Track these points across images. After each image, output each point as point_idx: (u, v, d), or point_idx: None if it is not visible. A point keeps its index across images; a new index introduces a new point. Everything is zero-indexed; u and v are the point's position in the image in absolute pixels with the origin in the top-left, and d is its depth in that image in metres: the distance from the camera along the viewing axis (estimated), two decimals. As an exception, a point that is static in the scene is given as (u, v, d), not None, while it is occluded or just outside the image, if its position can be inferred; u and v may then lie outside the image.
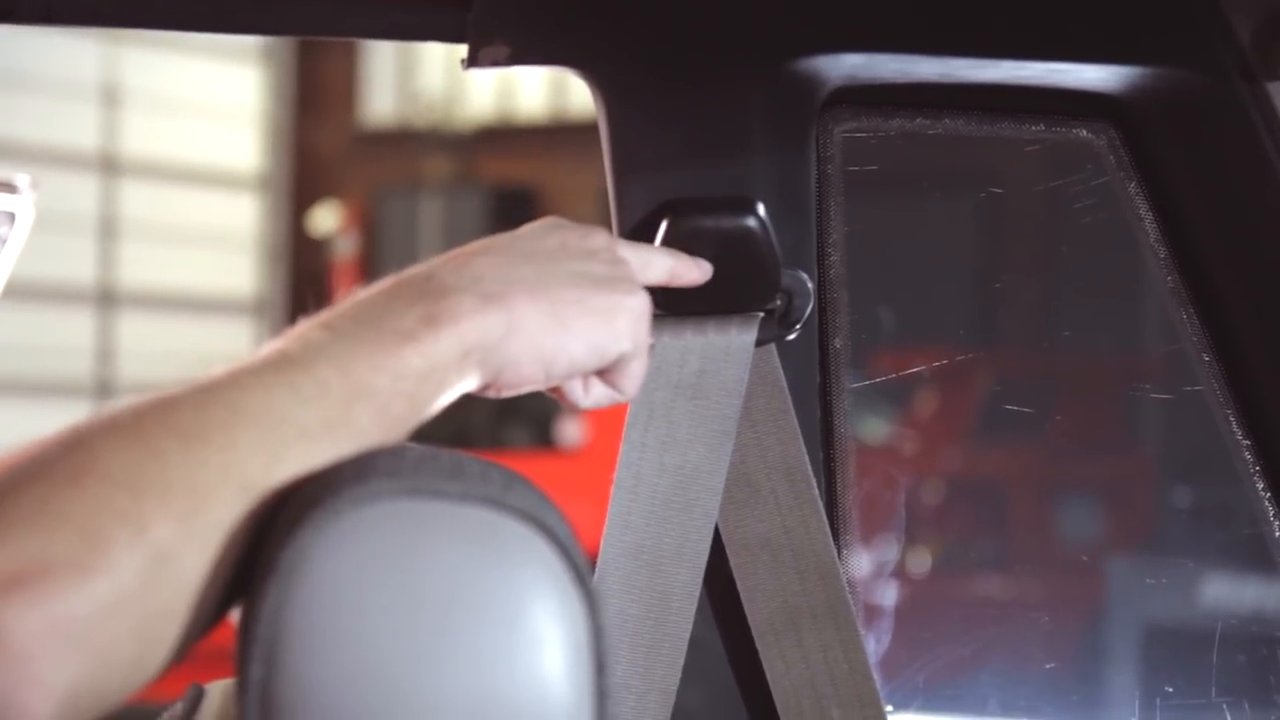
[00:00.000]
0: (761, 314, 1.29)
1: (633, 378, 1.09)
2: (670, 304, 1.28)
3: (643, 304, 1.07)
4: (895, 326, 1.55)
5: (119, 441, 0.87)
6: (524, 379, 1.01)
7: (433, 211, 14.61)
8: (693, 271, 1.21)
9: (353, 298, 0.99)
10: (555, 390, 1.09)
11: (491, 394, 1.02)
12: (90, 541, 0.83)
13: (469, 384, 0.99)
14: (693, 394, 1.27)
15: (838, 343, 1.40)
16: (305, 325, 0.96)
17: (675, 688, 1.28)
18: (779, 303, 1.30)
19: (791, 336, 1.32)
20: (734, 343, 1.28)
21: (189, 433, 0.88)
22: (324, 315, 0.97)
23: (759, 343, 1.29)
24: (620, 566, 1.25)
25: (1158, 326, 1.50)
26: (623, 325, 1.05)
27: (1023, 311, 1.66)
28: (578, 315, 1.02)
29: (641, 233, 1.31)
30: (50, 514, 0.83)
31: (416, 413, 0.96)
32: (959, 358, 1.57)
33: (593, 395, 1.10)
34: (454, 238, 14.31)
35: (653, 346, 1.26)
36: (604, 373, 1.09)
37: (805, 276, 1.31)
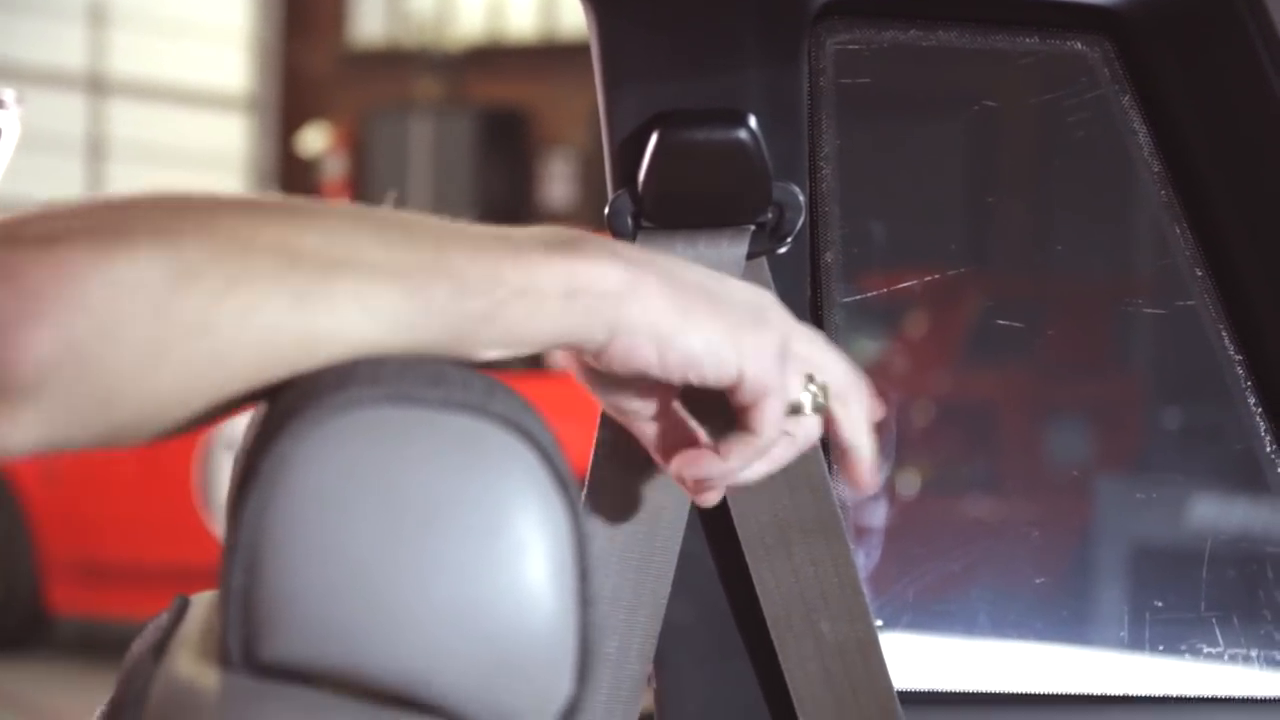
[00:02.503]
0: (752, 227, 1.28)
1: (764, 418, 1.00)
2: (660, 216, 1.27)
3: (776, 339, 0.99)
4: (887, 241, 1.54)
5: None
6: (637, 355, 0.96)
7: (422, 132, 14.57)
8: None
9: None
10: (686, 462, 1.04)
11: (604, 363, 0.97)
12: (126, 229, 0.86)
13: (575, 332, 0.94)
14: None
15: (829, 257, 1.40)
16: None
17: (665, 601, 1.28)
18: (770, 216, 1.29)
19: (783, 250, 1.31)
20: (725, 255, 1.27)
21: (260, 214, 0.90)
22: None
23: (750, 256, 1.28)
24: (610, 481, 1.25)
25: (1150, 242, 1.49)
26: (747, 343, 0.98)
27: (1014, 226, 1.65)
28: (703, 310, 0.97)
29: (632, 145, 1.30)
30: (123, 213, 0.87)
31: (496, 330, 0.92)
32: (950, 272, 1.56)
33: (734, 456, 1.02)
34: (443, 159, 14.28)
35: None
36: (737, 413, 1.01)
37: (797, 189, 1.30)
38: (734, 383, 0.98)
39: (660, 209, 1.26)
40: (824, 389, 1.02)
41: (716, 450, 1.03)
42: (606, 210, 1.28)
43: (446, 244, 0.93)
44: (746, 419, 1.01)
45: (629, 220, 1.27)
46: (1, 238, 0.86)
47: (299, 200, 0.94)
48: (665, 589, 1.27)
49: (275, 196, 0.94)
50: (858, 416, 1.05)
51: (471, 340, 0.92)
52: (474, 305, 0.92)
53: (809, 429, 1.03)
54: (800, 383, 1.01)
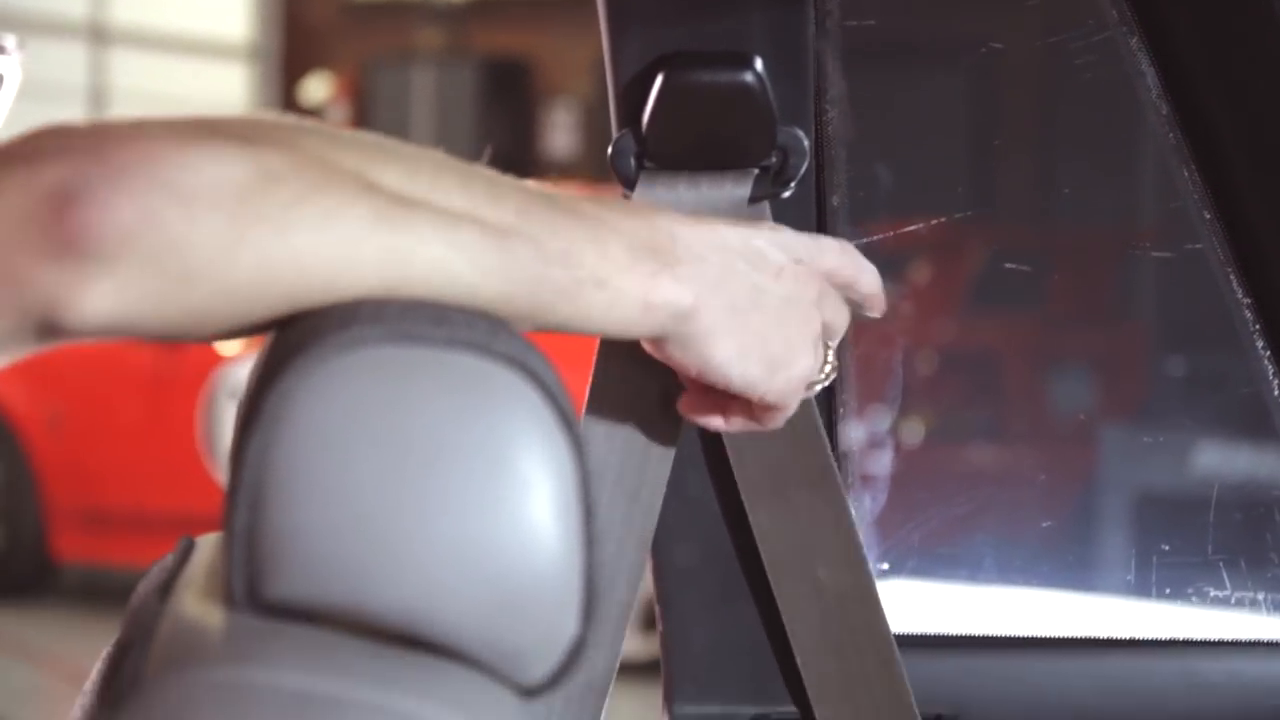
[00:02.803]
0: (756, 171, 1.27)
1: (774, 420, 1.10)
2: (663, 157, 1.26)
3: (809, 369, 1.07)
4: (893, 185, 1.53)
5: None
6: (680, 362, 1.03)
7: (424, 82, 14.53)
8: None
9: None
10: (695, 409, 1.12)
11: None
12: (212, 133, 0.88)
13: (642, 333, 1.00)
14: None
15: (834, 200, 1.39)
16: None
17: (652, 533, 1.27)
18: (774, 160, 1.28)
19: (786, 194, 1.30)
20: (727, 198, 1.26)
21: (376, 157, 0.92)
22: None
23: (753, 199, 1.28)
24: (604, 415, 1.24)
25: (1157, 185, 1.48)
26: (780, 377, 1.05)
27: (1021, 169, 1.65)
28: (754, 349, 1.04)
29: (636, 87, 1.29)
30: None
31: (575, 309, 0.96)
32: (956, 216, 1.55)
33: (733, 424, 1.12)
34: (446, 108, 14.25)
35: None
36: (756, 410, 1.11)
37: (801, 134, 1.29)
38: (757, 400, 1.06)
39: (663, 150, 1.25)
40: (837, 361, 1.11)
41: (725, 417, 1.11)
42: (609, 150, 1.27)
43: (530, 210, 0.95)
44: (759, 412, 1.09)
45: (631, 160, 1.26)
46: (91, 128, 0.89)
47: (387, 139, 0.95)
48: (652, 522, 1.27)
49: (359, 132, 0.95)
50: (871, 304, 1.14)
51: (550, 312, 0.95)
52: (556, 275, 0.94)
53: (812, 392, 1.11)
54: (819, 369, 1.09)
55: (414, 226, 0.90)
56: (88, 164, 0.86)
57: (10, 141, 0.89)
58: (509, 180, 0.97)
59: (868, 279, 1.12)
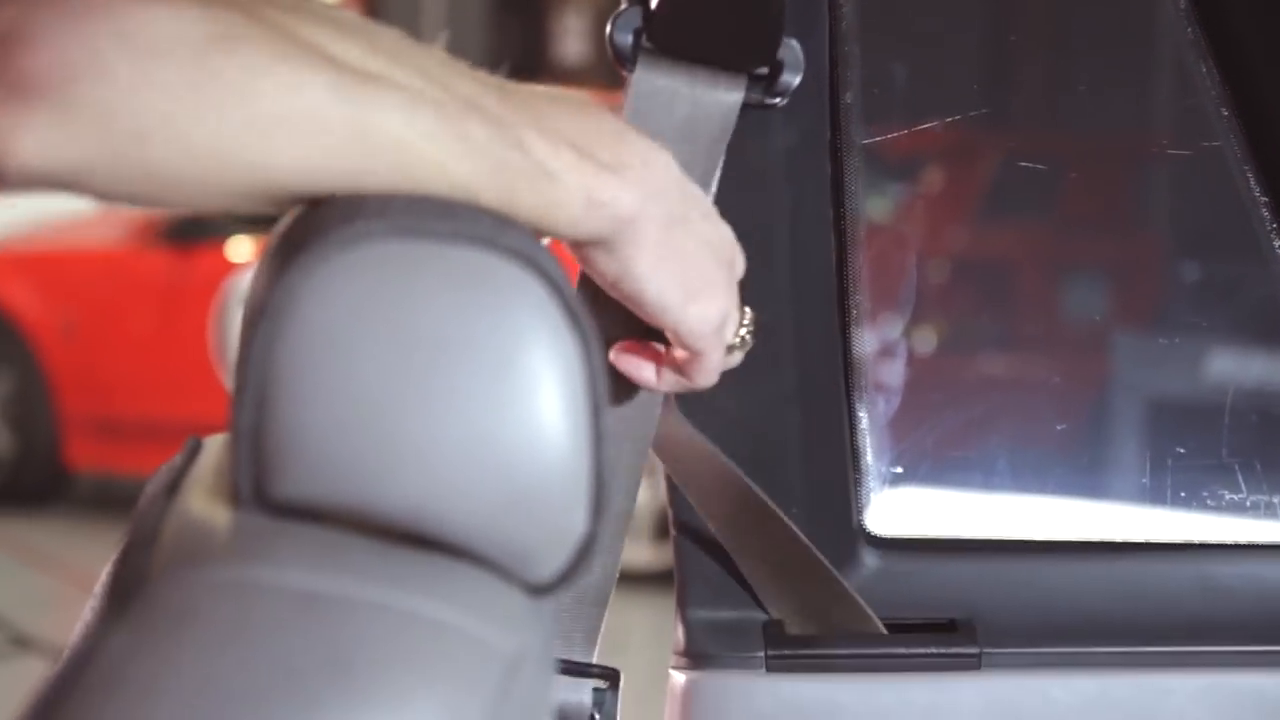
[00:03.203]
0: (748, 76, 1.26)
1: (703, 372, 1.10)
2: (663, 40, 1.23)
3: (730, 310, 1.08)
4: (908, 82, 1.52)
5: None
6: (599, 267, 1.02)
7: (435, -12, 14.47)
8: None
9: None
10: (628, 355, 1.13)
11: (571, 248, 1.03)
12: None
13: (584, 234, 0.99)
14: (679, 137, 1.24)
15: (848, 98, 1.38)
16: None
17: (651, 436, 1.26)
18: (768, 71, 1.27)
19: (779, 103, 1.28)
20: (720, 98, 1.25)
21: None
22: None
23: (745, 105, 1.26)
24: (595, 318, 1.23)
25: (1175, 85, 1.46)
26: (693, 311, 1.05)
27: (1037, 66, 1.63)
28: (673, 266, 1.03)
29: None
30: None
31: (538, 200, 0.94)
32: (973, 112, 1.54)
33: (665, 381, 1.13)
34: (456, 14, 14.19)
35: (644, 92, 1.23)
36: (680, 361, 1.11)
37: (798, 47, 1.27)
38: (670, 331, 1.06)
39: (666, 33, 1.23)
40: (754, 324, 1.12)
41: (659, 366, 1.13)
42: (609, 25, 1.24)
43: (483, 97, 0.93)
44: (684, 365, 1.10)
45: (630, 36, 1.24)
46: None
47: (346, 13, 0.93)
48: (651, 426, 1.26)
49: (319, 4, 0.93)
50: None
51: (514, 202, 0.93)
52: (515, 160, 0.92)
53: (734, 359, 1.13)
54: (735, 329, 1.10)
55: (376, 101, 0.88)
56: (40, 6, 0.83)
57: None
58: (463, 67, 0.96)
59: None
